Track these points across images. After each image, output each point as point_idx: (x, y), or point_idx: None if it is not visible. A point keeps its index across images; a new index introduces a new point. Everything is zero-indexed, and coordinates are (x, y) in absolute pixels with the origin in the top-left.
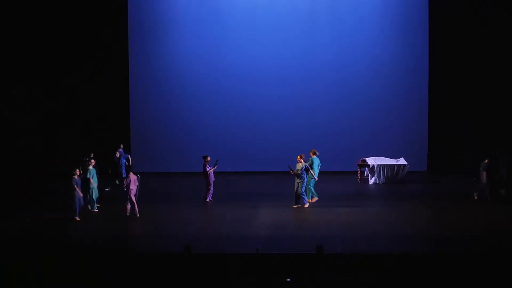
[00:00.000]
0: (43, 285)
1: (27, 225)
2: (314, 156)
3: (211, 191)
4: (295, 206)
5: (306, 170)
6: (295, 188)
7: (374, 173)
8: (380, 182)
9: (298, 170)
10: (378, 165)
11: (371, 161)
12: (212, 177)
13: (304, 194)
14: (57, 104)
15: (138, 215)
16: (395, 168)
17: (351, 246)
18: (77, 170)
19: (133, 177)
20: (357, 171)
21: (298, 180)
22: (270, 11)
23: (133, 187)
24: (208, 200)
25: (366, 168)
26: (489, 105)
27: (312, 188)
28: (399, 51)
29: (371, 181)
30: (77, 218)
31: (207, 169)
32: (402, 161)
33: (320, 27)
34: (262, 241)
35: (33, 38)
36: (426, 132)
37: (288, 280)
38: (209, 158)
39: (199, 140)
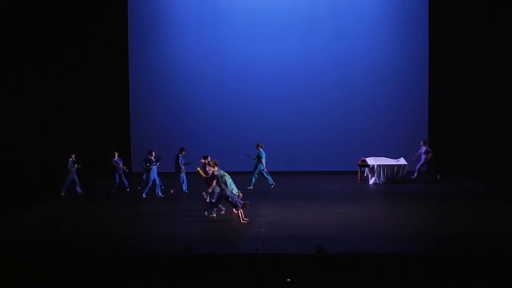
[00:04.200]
0: (42, 285)
1: (27, 224)
2: (261, 149)
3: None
4: (212, 216)
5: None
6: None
7: (374, 173)
8: (380, 182)
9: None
10: (378, 165)
11: (371, 161)
12: None
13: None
14: (57, 103)
15: None
16: (395, 168)
17: (351, 246)
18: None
19: None
20: (357, 171)
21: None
22: (271, 10)
23: None
24: (208, 200)
25: (366, 168)
26: (489, 105)
27: (255, 177)
28: (399, 51)
29: (371, 181)
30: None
31: (207, 169)
32: (402, 161)
33: (320, 27)
34: (262, 241)
35: (33, 38)
36: (426, 132)
37: (288, 280)
38: (209, 158)
39: (199, 140)
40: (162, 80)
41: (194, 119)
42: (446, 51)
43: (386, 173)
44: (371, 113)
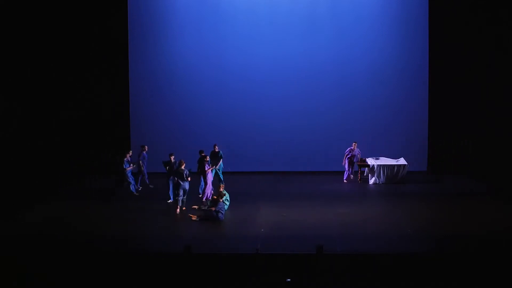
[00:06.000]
0: (42, 285)
1: (27, 224)
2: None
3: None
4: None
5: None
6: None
7: (374, 173)
8: (380, 182)
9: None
10: (378, 165)
11: (371, 161)
12: (210, 177)
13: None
14: (57, 103)
15: None
16: (395, 168)
17: (351, 246)
18: None
19: None
20: (357, 171)
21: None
22: (271, 10)
23: None
24: (204, 200)
25: (366, 168)
26: (489, 105)
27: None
28: (399, 51)
29: (371, 181)
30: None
31: (206, 168)
32: (402, 161)
33: (320, 27)
34: (262, 241)
35: (33, 38)
36: (426, 132)
37: (288, 280)
38: (208, 158)
39: (199, 140)
40: (162, 80)
41: (194, 119)
42: (446, 51)
43: (386, 173)
44: (371, 113)
